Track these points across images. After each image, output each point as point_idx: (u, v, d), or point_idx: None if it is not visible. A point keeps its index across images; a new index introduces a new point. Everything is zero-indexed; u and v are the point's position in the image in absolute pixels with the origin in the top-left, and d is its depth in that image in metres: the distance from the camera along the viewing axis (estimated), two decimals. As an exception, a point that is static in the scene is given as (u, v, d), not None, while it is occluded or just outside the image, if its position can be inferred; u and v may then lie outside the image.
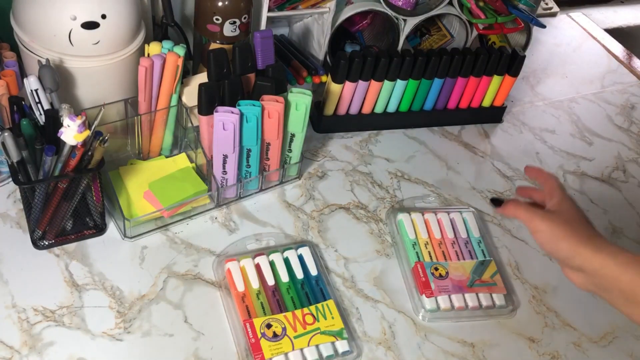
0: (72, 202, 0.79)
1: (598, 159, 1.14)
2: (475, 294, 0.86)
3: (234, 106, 0.82)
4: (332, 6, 1.03)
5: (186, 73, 0.96)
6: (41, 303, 0.76)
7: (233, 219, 0.91)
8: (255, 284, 0.81)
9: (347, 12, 1.07)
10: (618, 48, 1.44)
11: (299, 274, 0.83)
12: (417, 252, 0.89)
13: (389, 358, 0.79)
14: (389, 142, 1.08)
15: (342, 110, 1.06)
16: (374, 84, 1.02)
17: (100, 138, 0.75)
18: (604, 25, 1.55)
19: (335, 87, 1.01)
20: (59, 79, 0.79)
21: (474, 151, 1.10)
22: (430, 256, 0.89)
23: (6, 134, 0.70)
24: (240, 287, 0.80)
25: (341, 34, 1.19)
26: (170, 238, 0.86)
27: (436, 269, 0.87)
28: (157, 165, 0.93)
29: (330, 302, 0.80)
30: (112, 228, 0.86)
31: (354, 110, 1.06)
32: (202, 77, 0.90)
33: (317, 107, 1.05)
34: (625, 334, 0.87)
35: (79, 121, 0.70)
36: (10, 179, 0.86)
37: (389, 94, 1.05)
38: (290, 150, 0.94)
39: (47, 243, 0.82)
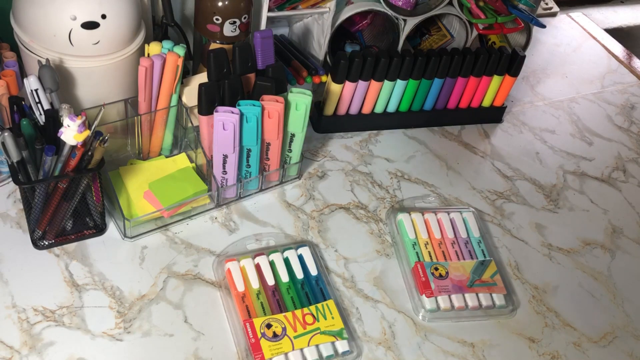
0: (72, 202, 0.79)
1: (598, 159, 1.14)
2: (475, 294, 0.86)
3: (234, 106, 0.82)
4: (332, 6, 1.03)
5: (186, 73, 0.96)
6: (41, 303, 0.76)
7: (233, 219, 0.91)
8: (255, 284, 0.81)
9: (347, 12, 1.07)
10: (618, 48, 1.44)
11: (299, 274, 0.83)
12: (417, 252, 0.89)
13: (389, 358, 0.79)
14: (389, 142, 1.08)
15: (342, 110, 1.06)
16: (374, 84, 1.02)
17: (100, 138, 0.75)
18: (604, 25, 1.55)
19: (335, 87, 1.01)
20: (59, 79, 0.79)
21: (474, 151, 1.10)
22: (430, 256, 0.89)
23: (6, 134, 0.70)
24: (240, 287, 0.80)
25: (341, 34, 1.19)
26: (170, 238, 0.86)
27: (436, 269, 0.87)
28: (157, 165, 0.93)
29: (330, 302, 0.80)
30: (112, 228, 0.86)
31: (354, 110, 1.06)
32: (202, 77, 0.90)
33: (317, 107, 1.05)
34: (625, 334, 0.87)
35: (79, 121, 0.70)
36: (10, 179, 0.86)
37: (389, 94, 1.05)
38: (290, 150, 0.94)
39: (47, 243, 0.82)
